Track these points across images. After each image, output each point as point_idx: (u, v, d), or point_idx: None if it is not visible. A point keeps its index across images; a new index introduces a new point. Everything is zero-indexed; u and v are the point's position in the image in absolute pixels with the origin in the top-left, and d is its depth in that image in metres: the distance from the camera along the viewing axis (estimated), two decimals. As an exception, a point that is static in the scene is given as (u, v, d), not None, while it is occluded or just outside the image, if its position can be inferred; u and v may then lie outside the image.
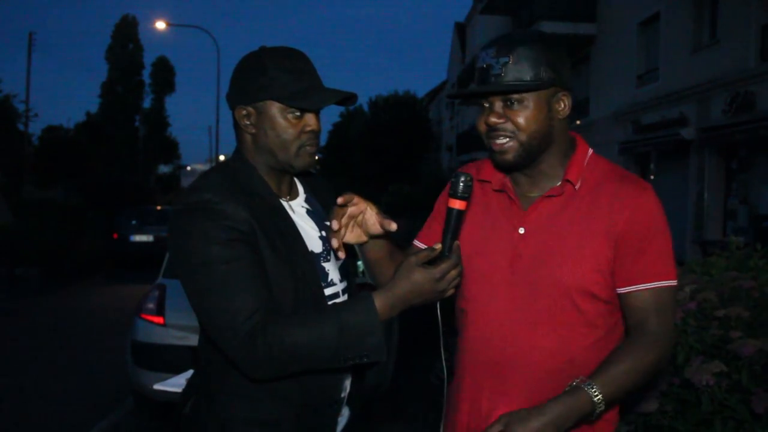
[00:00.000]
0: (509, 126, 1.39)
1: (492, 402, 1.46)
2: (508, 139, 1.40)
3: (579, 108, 17.21)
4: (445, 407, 1.59)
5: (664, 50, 13.81)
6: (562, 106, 1.41)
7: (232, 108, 1.45)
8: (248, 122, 1.44)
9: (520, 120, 1.38)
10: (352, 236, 1.47)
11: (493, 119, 1.40)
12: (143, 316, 4.42)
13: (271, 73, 1.39)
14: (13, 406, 5.04)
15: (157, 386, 3.92)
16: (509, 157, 1.41)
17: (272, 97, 1.40)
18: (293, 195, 1.54)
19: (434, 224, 1.60)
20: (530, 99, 1.37)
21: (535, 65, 1.35)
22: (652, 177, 14.12)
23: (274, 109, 1.41)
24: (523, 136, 1.39)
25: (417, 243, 1.64)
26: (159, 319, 4.35)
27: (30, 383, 5.62)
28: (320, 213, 1.58)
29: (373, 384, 1.64)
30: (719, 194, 12.27)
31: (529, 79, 1.35)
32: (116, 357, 5.39)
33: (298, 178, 1.59)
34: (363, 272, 4.82)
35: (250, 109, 1.42)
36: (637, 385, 1.37)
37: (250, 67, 1.42)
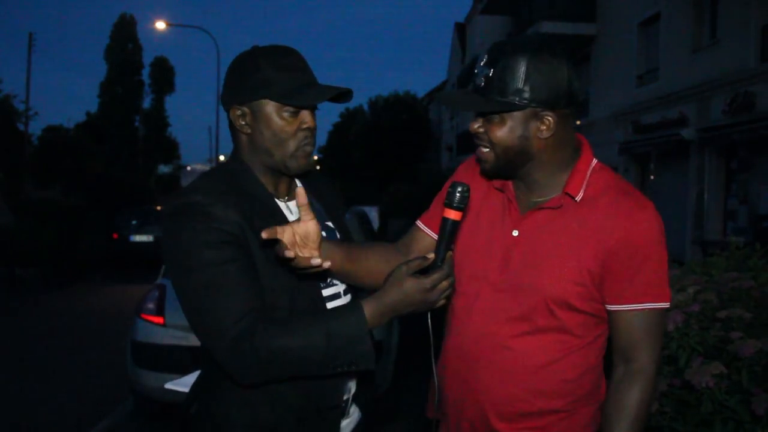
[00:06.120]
0: (486, 137, 1.39)
1: (461, 395, 1.47)
2: (487, 149, 1.40)
3: (579, 108, 17.20)
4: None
5: (664, 50, 13.81)
6: (545, 126, 1.35)
7: (227, 109, 1.43)
8: (243, 122, 1.41)
9: (495, 134, 1.36)
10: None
11: (474, 126, 1.40)
12: (143, 316, 4.42)
13: (265, 72, 1.37)
14: (13, 406, 5.04)
15: (168, 385, 3.95)
16: (487, 166, 1.42)
17: (266, 95, 1.38)
18: (292, 195, 1.52)
19: (439, 207, 1.53)
20: (507, 116, 1.34)
21: (513, 83, 1.31)
22: (652, 177, 14.13)
23: (269, 107, 1.38)
24: (498, 149, 1.38)
25: (419, 224, 1.61)
26: (159, 319, 4.35)
27: (30, 383, 5.61)
28: (320, 213, 1.56)
29: (373, 384, 1.63)
30: (719, 194, 12.27)
31: (505, 96, 1.32)
32: (116, 357, 5.38)
33: (298, 178, 1.56)
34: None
35: (245, 109, 1.40)
36: (644, 421, 1.37)
37: (243, 67, 1.40)
